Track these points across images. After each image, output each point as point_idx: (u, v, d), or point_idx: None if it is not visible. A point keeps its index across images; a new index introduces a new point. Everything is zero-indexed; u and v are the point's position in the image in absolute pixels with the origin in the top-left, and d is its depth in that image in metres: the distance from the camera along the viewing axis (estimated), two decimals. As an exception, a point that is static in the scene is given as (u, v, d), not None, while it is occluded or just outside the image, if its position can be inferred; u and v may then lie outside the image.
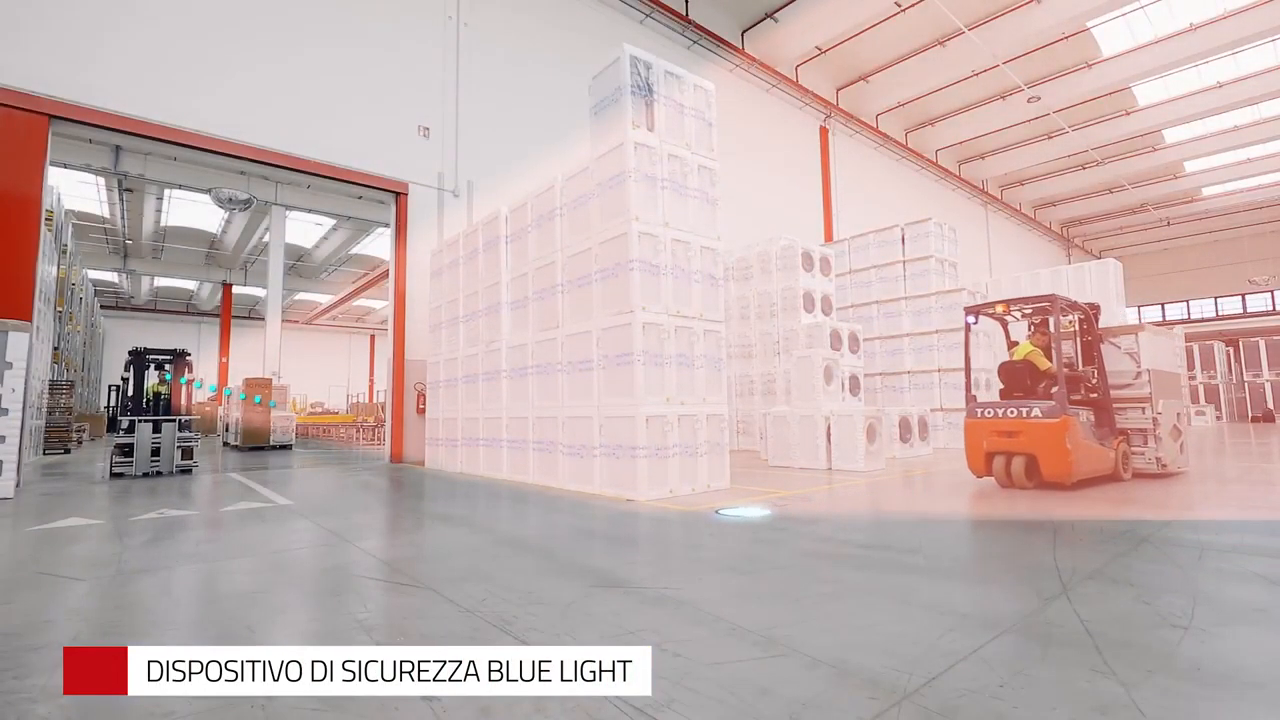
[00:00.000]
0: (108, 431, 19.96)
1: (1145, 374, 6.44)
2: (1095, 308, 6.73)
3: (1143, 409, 6.40)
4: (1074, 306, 6.52)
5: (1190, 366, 23.01)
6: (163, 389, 9.03)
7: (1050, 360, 6.17)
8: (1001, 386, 6.49)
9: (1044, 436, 5.70)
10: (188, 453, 8.85)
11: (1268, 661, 1.94)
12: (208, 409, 21.81)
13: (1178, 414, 6.61)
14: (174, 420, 8.67)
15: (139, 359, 8.85)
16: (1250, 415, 23.61)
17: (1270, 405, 23.03)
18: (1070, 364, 6.56)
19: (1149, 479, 6.38)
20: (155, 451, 8.42)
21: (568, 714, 1.67)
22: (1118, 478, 6.19)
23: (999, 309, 6.52)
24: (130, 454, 8.26)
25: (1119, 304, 15.86)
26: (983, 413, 6.20)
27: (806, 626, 2.32)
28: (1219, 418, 22.73)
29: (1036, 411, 5.80)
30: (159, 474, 8.37)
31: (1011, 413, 5.95)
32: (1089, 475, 5.91)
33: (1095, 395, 6.40)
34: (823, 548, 3.66)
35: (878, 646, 2.10)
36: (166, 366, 9.15)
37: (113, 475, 8.09)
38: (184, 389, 8.93)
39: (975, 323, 6.58)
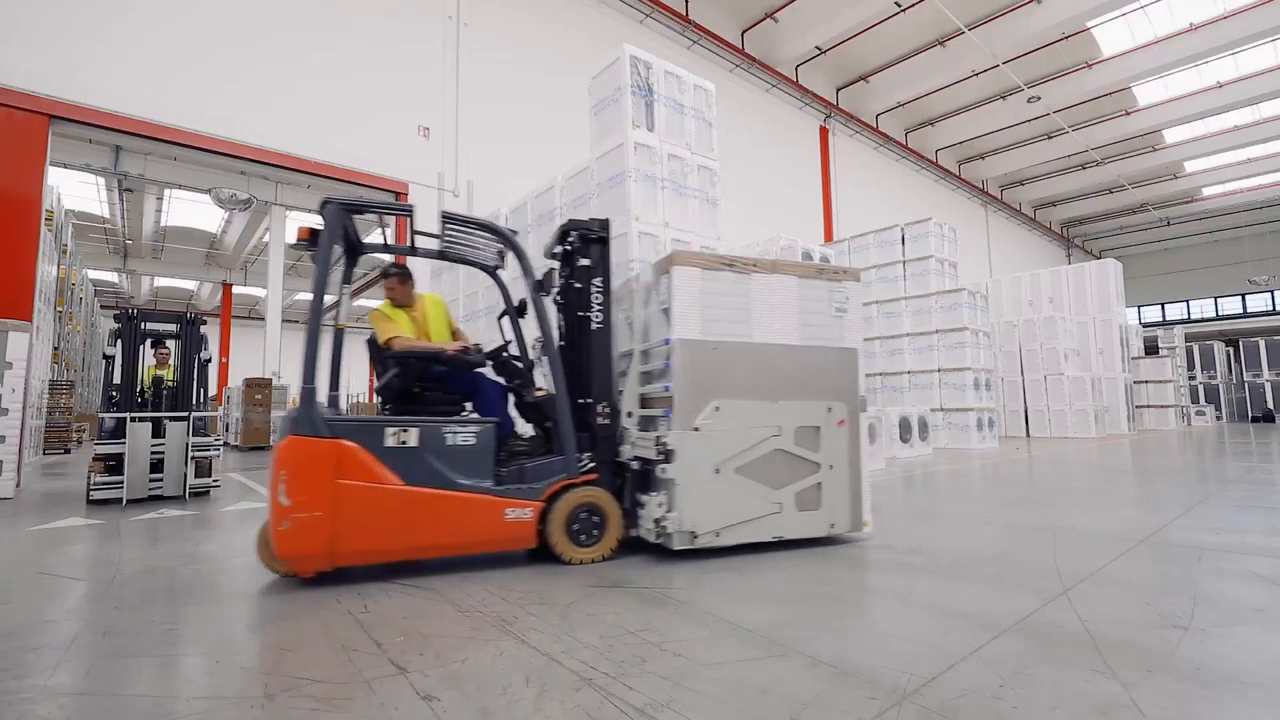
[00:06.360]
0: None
1: (670, 349, 3.46)
2: (597, 225, 3.83)
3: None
4: (454, 220, 3.69)
5: (1190, 366, 23.03)
6: (165, 373, 6.53)
7: (405, 327, 3.93)
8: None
9: (274, 479, 2.90)
10: (205, 467, 6.20)
11: (1268, 661, 1.94)
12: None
13: (817, 428, 3.78)
14: (184, 419, 5.97)
15: (131, 326, 5.96)
16: (1250, 415, 23.65)
17: (1270, 405, 23.07)
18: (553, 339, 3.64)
19: (652, 558, 3.41)
20: (157, 466, 5.89)
21: (567, 714, 1.67)
22: (566, 556, 3.28)
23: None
24: (118, 469, 5.68)
25: (1119, 303, 15.89)
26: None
27: (807, 626, 2.32)
28: (1219, 418, 22.76)
29: (288, 430, 2.96)
30: (161, 498, 5.89)
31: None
32: (406, 553, 3.15)
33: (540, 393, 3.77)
34: (823, 547, 3.66)
35: (877, 647, 2.11)
36: (168, 343, 6.62)
37: (91, 501, 5.67)
38: (197, 373, 6.21)
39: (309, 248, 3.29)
